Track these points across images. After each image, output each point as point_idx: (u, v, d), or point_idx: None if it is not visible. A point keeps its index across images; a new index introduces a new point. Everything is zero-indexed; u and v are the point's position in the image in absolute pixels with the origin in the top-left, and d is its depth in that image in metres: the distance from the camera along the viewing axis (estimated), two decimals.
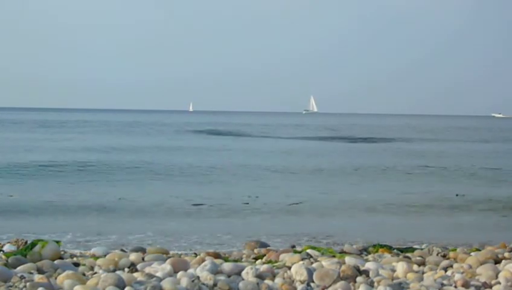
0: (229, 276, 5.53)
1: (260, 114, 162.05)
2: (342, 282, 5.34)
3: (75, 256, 7.03)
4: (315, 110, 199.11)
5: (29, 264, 5.74)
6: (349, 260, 6.34)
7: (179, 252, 7.74)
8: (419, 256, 7.07)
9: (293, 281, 5.44)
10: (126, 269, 5.89)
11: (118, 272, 5.50)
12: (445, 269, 6.16)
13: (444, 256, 7.01)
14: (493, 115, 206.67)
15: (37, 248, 6.33)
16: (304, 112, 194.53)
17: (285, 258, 6.61)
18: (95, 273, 5.74)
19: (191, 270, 5.65)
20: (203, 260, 6.33)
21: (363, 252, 7.58)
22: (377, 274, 5.73)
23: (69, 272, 5.38)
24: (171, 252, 7.45)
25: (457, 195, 15.19)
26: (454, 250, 7.43)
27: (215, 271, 5.58)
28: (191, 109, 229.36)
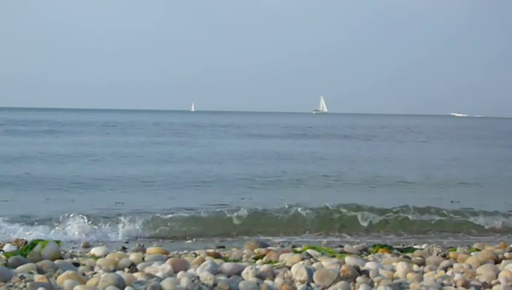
0: (229, 276, 5.54)
1: (271, 114, 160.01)
2: (342, 282, 5.34)
3: (75, 256, 7.04)
4: (325, 110, 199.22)
5: (29, 264, 5.75)
6: (349, 260, 6.34)
7: (179, 252, 7.74)
8: (419, 256, 7.07)
9: (293, 281, 5.44)
10: (126, 269, 5.89)
11: (118, 272, 5.50)
12: (445, 269, 6.16)
13: (444, 256, 7.01)
14: (453, 114, 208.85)
15: (37, 248, 6.34)
16: (314, 112, 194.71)
17: (285, 258, 6.61)
18: (95, 273, 5.74)
19: (191, 270, 5.66)
20: (203, 260, 6.33)
21: (363, 252, 7.58)
22: (377, 274, 5.73)
23: (69, 272, 5.38)
24: (171, 252, 7.46)
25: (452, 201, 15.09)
26: (454, 250, 7.44)
27: (215, 271, 5.59)
28: (192, 109, 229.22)
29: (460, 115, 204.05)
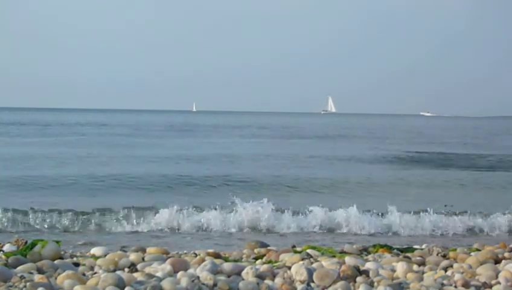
0: (229, 276, 5.54)
1: (276, 115, 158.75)
2: (342, 282, 5.34)
3: (75, 256, 7.03)
4: (333, 110, 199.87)
5: (29, 264, 5.75)
6: (349, 260, 6.34)
7: (179, 252, 7.74)
8: (419, 256, 7.06)
9: (293, 281, 5.44)
10: (126, 269, 5.89)
11: (118, 272, 5.50)
12: (445, 269, 6.16)
13: (444, 256, 7.01)
14: (422, 113, 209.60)
15: (37, 248, 6.34)
16: (323, 112, 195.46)
17: (285, 258, 6.61)
18: (95, 273, 5.74)
19: (191, 270, 5.66)
20: (203, 260, 6.33)
21: (363, 252, 7.58)
22: (377, 274, 5.73)
23: (69, 272, 5.38)
24: (171, 252, 7.45)
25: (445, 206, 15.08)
26: (454, 250, 7.43)
27: (215, 271, 5.59)
28: (194, 109, 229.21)
29: (429, 114, 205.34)
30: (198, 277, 5.26)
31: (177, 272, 5.50)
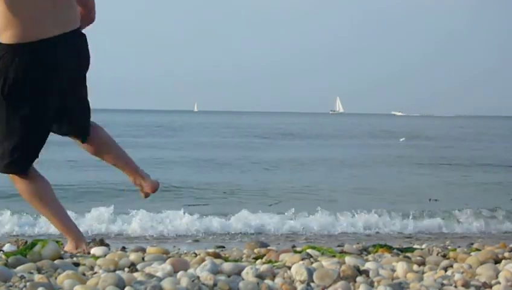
0: (229, 276, 5.53)
1: (281, 115, 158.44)
2: (342, 282, 5.33)
3: (75, 256, 7.02)
4: (341, 110, 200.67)
5: (29, 264, 5.73)
6: (349, 260, 6.33)
7: (179, 252, 7.74)
8: (419, 256, 7.04)
9: (293, 281, 5.43)
10: (126, 269, 5.88)
11: (118, 272, 5.49)
12: (445, 269, 6.15)
13: (444, 256, 6.99)
14: (393, 113, 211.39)
15: (37, 248, 6.32)
16: (331, 113, 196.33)
17: (285, 258, 6.59)
18: (95, 273, 5.73)
19: (191, 270, 5.64)
20: (203, 260, 6.32)
21: (363, 252, 7.56)
22: (377, 274, 5.71)
23: (69, 272, 5.36)
24: (171, 252, 7.45)
25: (430, 200, 15.11)
26: (454, 250, 7.42)
27: (215, 271, 5.57)
28: (195, 109, 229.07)
29: (400, 114, 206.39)
30: (198, 277, 5.26)
31: (177, 272, 5.48)
